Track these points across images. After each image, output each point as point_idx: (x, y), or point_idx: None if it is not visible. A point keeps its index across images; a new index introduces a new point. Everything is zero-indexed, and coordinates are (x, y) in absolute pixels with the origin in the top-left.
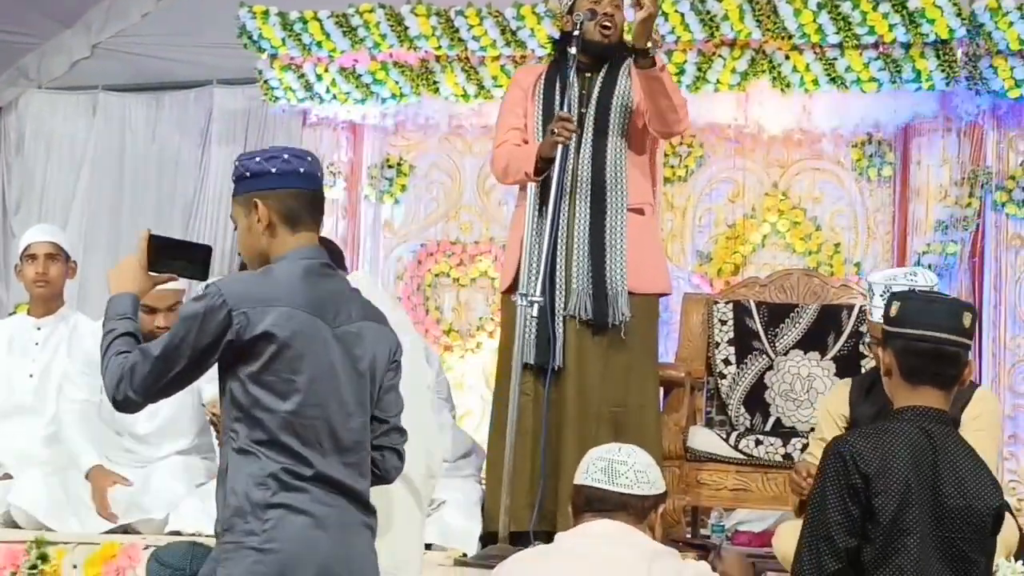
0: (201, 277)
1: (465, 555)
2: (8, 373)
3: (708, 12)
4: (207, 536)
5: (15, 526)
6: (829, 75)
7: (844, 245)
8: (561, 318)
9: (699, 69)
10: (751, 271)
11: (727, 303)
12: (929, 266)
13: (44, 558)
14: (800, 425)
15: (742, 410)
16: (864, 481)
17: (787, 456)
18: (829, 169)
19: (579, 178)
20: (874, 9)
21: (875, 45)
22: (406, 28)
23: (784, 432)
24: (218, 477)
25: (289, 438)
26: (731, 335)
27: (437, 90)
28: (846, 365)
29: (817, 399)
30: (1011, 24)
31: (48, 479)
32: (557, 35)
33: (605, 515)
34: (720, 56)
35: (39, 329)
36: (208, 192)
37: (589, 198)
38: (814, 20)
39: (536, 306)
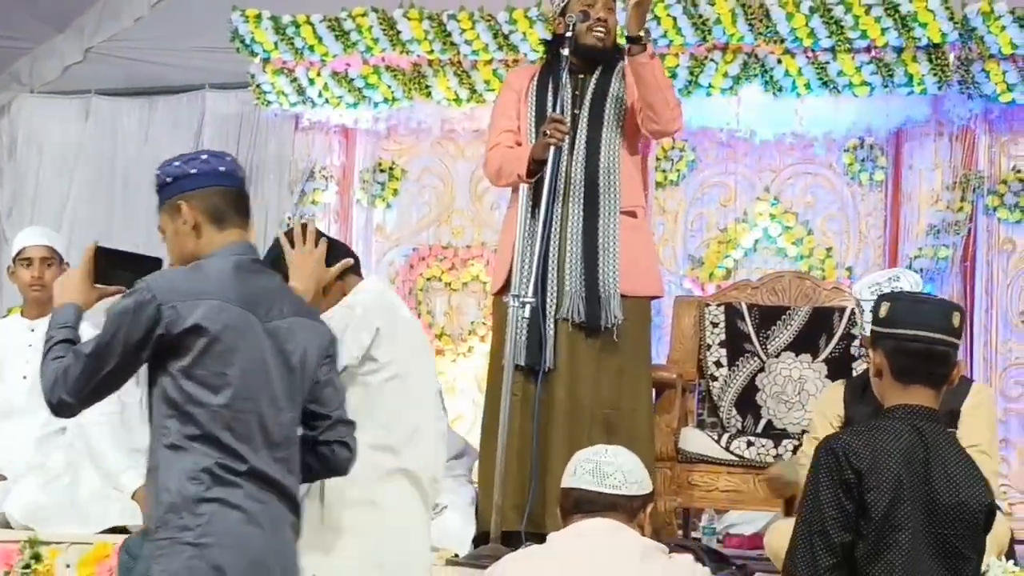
0: None
1: (457, 556)
2: (1, 375)
3: (700, 16)
4: None
5: (8, 526)
6: (821, 79)
7: (836, 249)
8: (553, 320)
9: (691, 73)
10: (742, 275)
11: (719, 305)
12: (921, 270)
13: (37, 558)
14: (791, 427)
15: (733, 412)
16: (857, 476)
17: (778, 457)
18: (821, 173)
19: (572, 180)
20: (866, 13)
21: (867, 49)
22: (398, 32)
23: (776, 434)
24: (147, 475)
25: (222, 432)
26: (723, 337)
27: (429, 94)
28: (838, 367)
29: (809, 401)
30: (1003, 28)
31: (46, 487)
32: (549, 38)
33: (595, 515)
34: (712, 60)
35: (33, 331)
36: None
37: (582, 200)
38: (806, 24)
39: (527, 307)
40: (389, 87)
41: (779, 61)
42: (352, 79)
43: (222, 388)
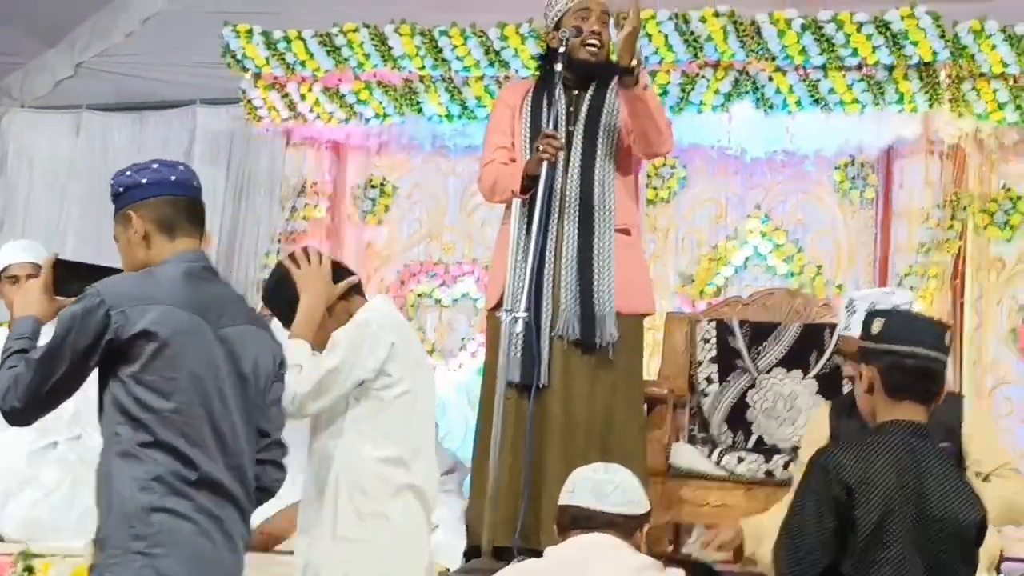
0: None
1: (448, 570)
2: None
3: (692, 33)
4: None
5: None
6: (812, 96)
7: (826, 267)
8: (548, 337)
9: (682, 90)
10: (733, 292)
11: (710, 321)
12: (911, 288)
13: (30, 570)
14: (782, 443)
15: (724, 428)
16: (846, 493)
17: (769, 473)
18: (812, 191)
19: (567, 198)
20: (857, 31)
21: (858, 67)
22: (390, 48)
23: (766, 449)
24: (98, 483)
25: (174, 438)
26: (714, 353)
27: (420, 110)
28: (828, 384)
29: (799, 417)
30: (994, 47)
31: (41, 501)
32: (541, 54)
33: (593, 532)
34: (703, 77)
35: None
36: None
37: (577, 218)
38: (797, 41)
39: (520, 322)
40: (380, 103)
41: (770, 78)
42: (343, 95)
43: (173, 393)
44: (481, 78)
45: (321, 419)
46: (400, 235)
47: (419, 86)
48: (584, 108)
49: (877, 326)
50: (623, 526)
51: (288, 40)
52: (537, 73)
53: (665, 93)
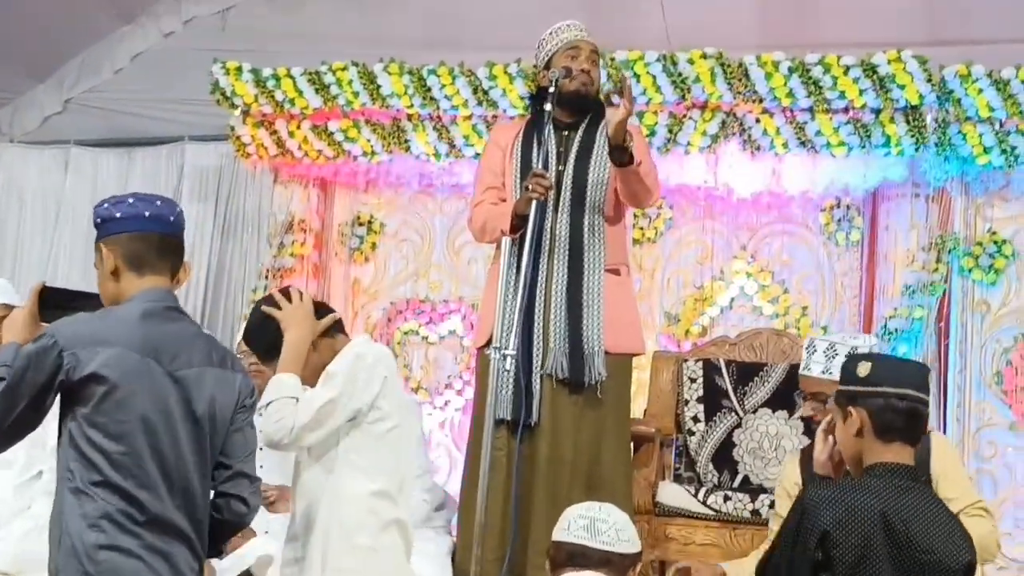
0: None
1: None
2: None
3: (680, 74)
4: None
5: None
6: (799, 139)
7: (811, 308)
8: (538, 375)
9: (670, 131)
10: (718, 333)
11: (697, 361)
12: (896, 330)
13: None
14: (768, 482)
15: (710, 467)
16: (822, 533)
17: (755, 512)
18: (798, 232)
19: (557, 237)
20: (845, 74)
21: (845, 109)
22: (379, 86)
23: (752, 489)
24: (52, 518)
25: (123, 479)
26: (700, 392)
27: (408, 148)
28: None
29: (785, 457)
30: (980, 91)
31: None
32: (530, 93)
33: (587, 570)
34: (691, 118)
35: None
36: None
37: (567, 257)
38: (785, 84)
39: (509, 359)
40: (368, 141)
41: (757, 120)
42: (332, 132)
43: (122, 436)
44: (469, 117)
45: (311, 452)
46: (387, 272)
47: (407, 124)
48: (574, 148)
49: (864, 369)
50: (617, 564)
51: (277, 78)
52: (526, 113)
53: (653, 133)
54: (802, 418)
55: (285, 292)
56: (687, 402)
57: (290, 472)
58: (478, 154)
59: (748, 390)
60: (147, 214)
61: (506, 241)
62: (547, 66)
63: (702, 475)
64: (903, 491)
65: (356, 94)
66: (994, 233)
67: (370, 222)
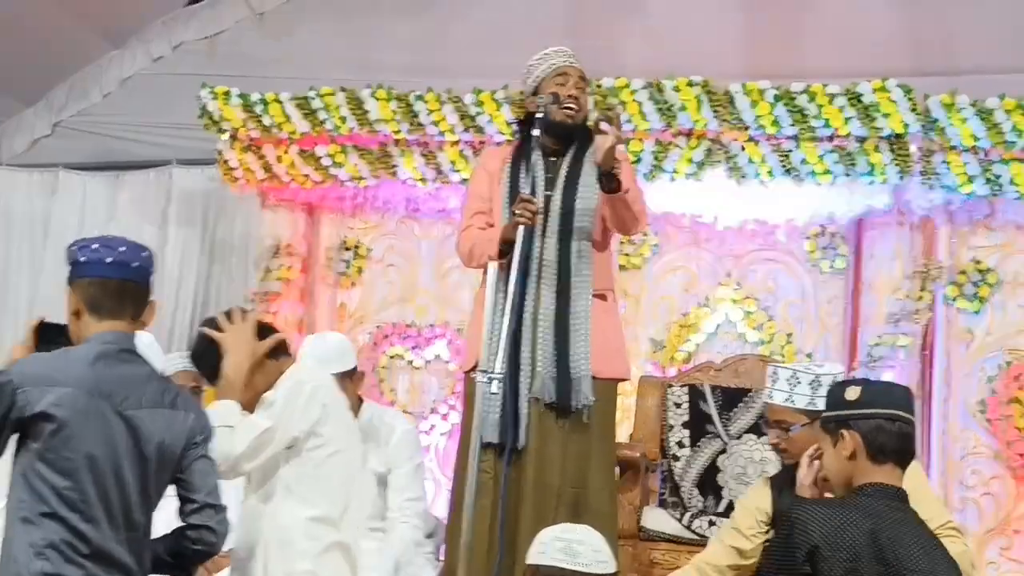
0: None
1: None
2: None
3: (666, 102)
4: None
5: None
6: (784, 166)
7: (796, 335)
8: (525, 399)
9: (655, 158)
10: (703, 359)
11: (682, 386)
12: (880, 358)
13: None
14: None
15: (695, 492)
16: (811, 547)
17: None
18: (783, 260)
19: (544, 262)
20: (830, 102)
21: (830, 138)
22: (366, 112)
23: None
24: (2, 545)
25: (68, 513)
26: (686, 418)
27: (395, 174)
28: None
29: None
30: (964, 120)
31: None
32: (518, 119)
33: None
34: (677, 146)
35: None
36: (166, 272)
37: (554, 282)
38: (770, 112)
39: (496, 383)
40: (356, 166)
41: (743, 148)
42: (319, 157)
43: (69, 472)
44: (456, 143)
45: (252, 478)
46: (373, 297)
47: (394, 150)
48: (562, 174)
49: (853, 393)
50: None
51: (265, 102)
52: (513, 138)
53: (638, 160)
54: (772, 445)
55: (228, 314)
56: (672, 427)
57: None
58: (465, 179)
59: (733, 416)
60: (108, 260)
61: (493, 266)
62: (535, 92)
63: (687, 500)
64: (893, 511)
65: (343, 119)
66: (978, 262)
67: (357, 247)
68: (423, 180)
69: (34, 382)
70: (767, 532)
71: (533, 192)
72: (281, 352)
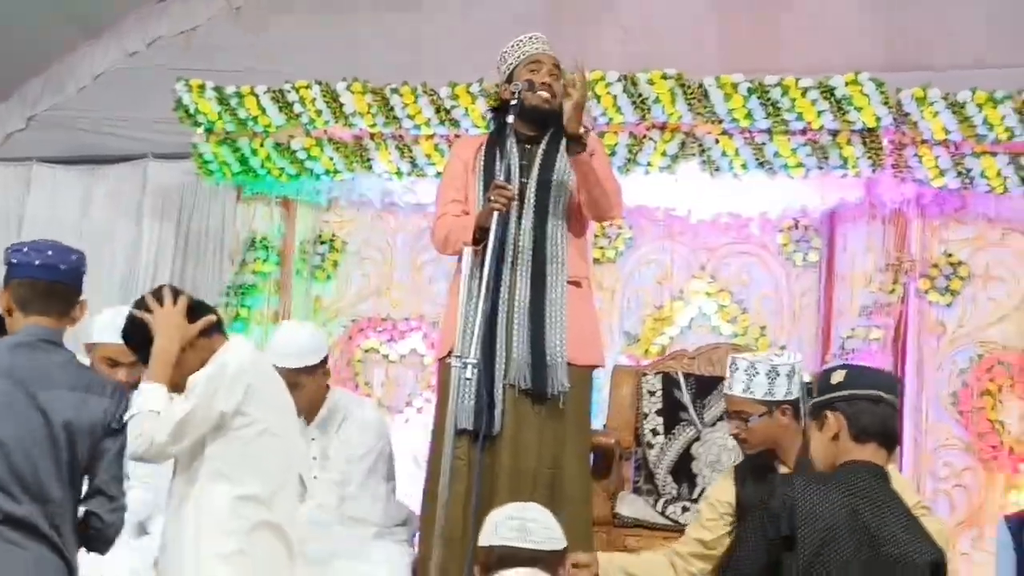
0: None
1: None
2: None
3: (640, 95)
4: None
5: None
6: (758, 159)
7: (770, 328)
8: (500, 385)
9: (629, 151)
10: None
11: (656, 375)
12: (853, 351)
13: None
14: None
15: (669, 480)
16: (789, 510)
17: None
18: (756, 253)
19: (519, 248)
20: (803, 96)
21: (803, 131)
22: (342, 105)
23: None
24: None
25: None
26: (660, 406)
27: (371, 167)
28: None
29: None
30: (936, 114)
31: None
32: (492, 107)
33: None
34: (651, 139)
35: None
36: (141, 266)
37: (529, 268)
38: (743, 105)
39: (471, 368)
40: (331, 159)
41: (716, 141)
42: (294, 151)
43: None
44: (431, 136)
45: (179, 461)
46: (348, 290)
47: (370, 143)
48: (537, 160)
49: (838, 376)
50: (548, 561)
51: (240, 96)
52: (491, 126)
53: (613, 153)
54: (732, 435)
55: (157, 294)
56: (646, 415)
57: None
58: (440, 173)
59: (707, 403)
60: (37, 263)
61: (468, 253)
62: (509, 79)
63: (661, 487)
64: (873, 488)
65: (319, 112)
66: (950, 255)
67: (332, 240)
68: (399, 173)
69: None
70: (732, 523)
71: (508, 179)
72: (214, 331)
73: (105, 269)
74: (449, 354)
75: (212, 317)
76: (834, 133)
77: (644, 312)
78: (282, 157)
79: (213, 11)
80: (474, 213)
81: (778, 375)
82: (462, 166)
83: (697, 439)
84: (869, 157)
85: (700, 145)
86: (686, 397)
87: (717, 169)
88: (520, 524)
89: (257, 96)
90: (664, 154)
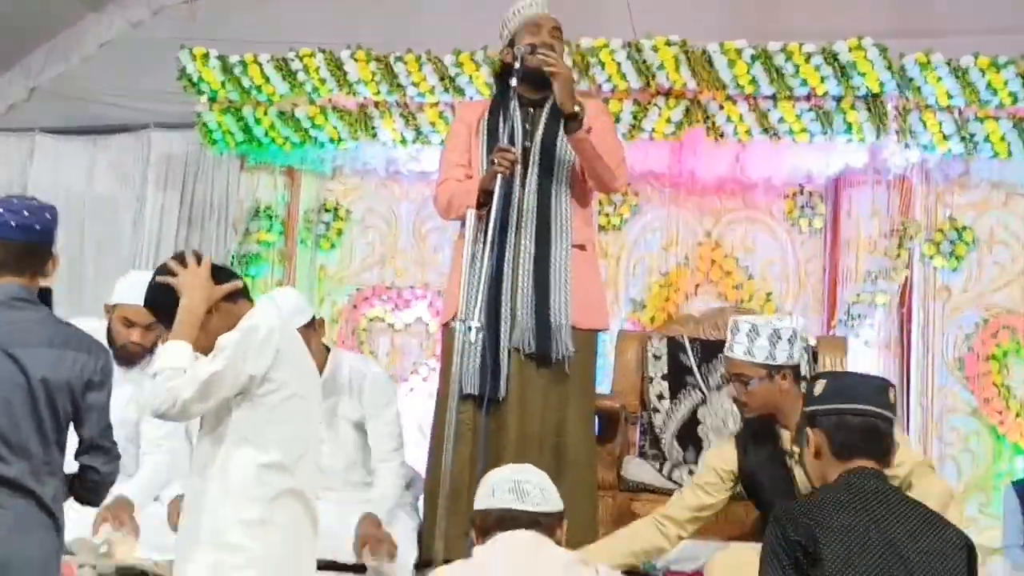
0: None
1: None
2: None
3: (644, 61)
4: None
5: None
6: (762, 126)
7: (775, 294)
8: (505, 349)
9: (634, 118)
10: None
11: (661, 339)
12: (858, 316)
13: None
14: None
15: (675, 444)
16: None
17: None
18: (761, 219)
19: (524, 211)
20: (806, 62)
21: (807, 97)
22: (345, 73)
23: None
24: None
25: None
26: (665, 370)
27: (375, 135)
28: None
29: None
30: (939, 79)
31: None
32: (495, 73)
33: (518, 530)
34: (655, 105)
35: None
36: (145, 236)
37: (534, 232)
38: (748, 71)
39: (475, 332)
40: (335, 127)
41: (721, 107)
42: (298, 119)
43: None
44: (436, 104)
45: (205, 422)
46: (353, 259)
47: (374, 111)
48: (541, 124)
49: (819, 388)
50: (545, 524)
51: (244, 64)
52: (495, 90)
53: (617, 120)
54: (733, 399)
55: (180, 257)
56: (652, 379)
57: None
58: (444, 141)
59: (712, 367)
60: (13, 224)
61: (471, 216)
62: (511, 43)
63: (666, 451)
64: (875, 490)
65: (323, 81)
66: (954, 220)
67: (336, 208)
68: (403, 141)
69: None
70: (733, 488)
71: (512, 142)
72: (240, 296)
73: (109, 240)
74: (453, 318)
75: (239, 282)
76: (838, 99)
77: (650, 279)
78: (286, 126)
79: None
80: (478, 177)
81: (780, 339)
82: (466, 130)
83: (703, 403)
84: (873, 122)
85: (704, 112)
86: (691, 361)
87: (721, 135)
88: (516, 486)
89: (261, 65)
90: (669, 121)
